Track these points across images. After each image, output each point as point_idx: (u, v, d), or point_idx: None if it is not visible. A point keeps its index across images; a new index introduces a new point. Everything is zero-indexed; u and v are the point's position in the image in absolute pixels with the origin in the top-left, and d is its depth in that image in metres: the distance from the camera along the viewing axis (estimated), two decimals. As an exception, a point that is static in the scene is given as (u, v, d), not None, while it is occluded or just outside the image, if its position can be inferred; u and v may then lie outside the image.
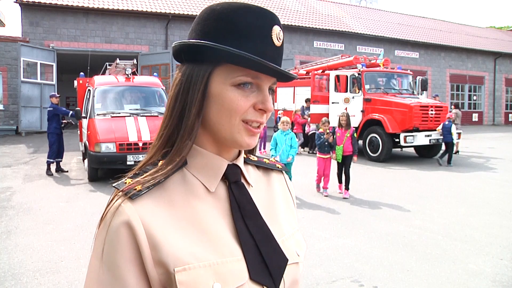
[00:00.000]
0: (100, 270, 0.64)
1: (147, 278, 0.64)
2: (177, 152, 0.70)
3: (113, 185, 0.69)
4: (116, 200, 0.67)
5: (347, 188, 6.86)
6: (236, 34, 0.67)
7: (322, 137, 6.86)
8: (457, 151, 12.20)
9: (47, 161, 8.49)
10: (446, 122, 10.55)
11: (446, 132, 10.42)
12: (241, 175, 0.77)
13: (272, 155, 6.20)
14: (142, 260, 0.64)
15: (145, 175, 0.69)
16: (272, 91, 0.74)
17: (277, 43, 0.70)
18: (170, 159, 0.70)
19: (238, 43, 0.66)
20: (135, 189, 0.66)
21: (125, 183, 0.69)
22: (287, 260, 0.73)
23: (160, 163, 0.71)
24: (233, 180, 0.74)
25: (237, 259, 0.68)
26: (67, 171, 8.69)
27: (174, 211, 0.68)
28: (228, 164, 0.74)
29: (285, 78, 0.71)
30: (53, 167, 8.59)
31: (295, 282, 0.76)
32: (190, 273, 0.63)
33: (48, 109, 8.73)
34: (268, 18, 0.69)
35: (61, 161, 8.78)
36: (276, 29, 0.69)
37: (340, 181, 7.09)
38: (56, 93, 9.19)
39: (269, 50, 0.68)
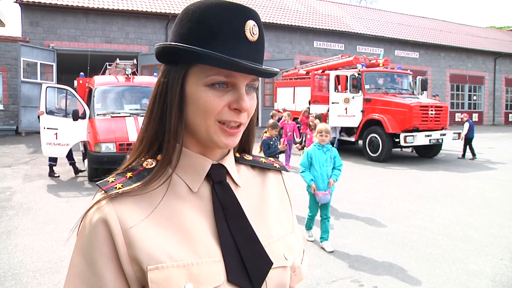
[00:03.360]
0: (79, 265, 0.66)
1: (124, 274, 0.65)
2: (166, 155, 0.70)
3: (97, 183, 0.71)
4: (96, 198, 0.68)
5: None
6: (207, 33, 0.66)
7: (271, 143, 5.88)
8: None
9: (50, 164, 8.33)
10: (471, 120, 11.70)
11: (472, 129, 11.41)
12: (227, 175, 0.76)
13: (308, 183, 4.42)
14: (119, 257, 0.65)
15: (128, 174, 0.70)
16: (254, 89, 0.72)
17: (252, 38, 0.68)
18: (160, 160, 0.70)
19: (210, 42, 0.65)
20: (116, 187, 0.67)
21: (108, 181, 0.70)
22: (271, 263, 0.72)
23: (145, 163, 0.71)
24: (217, 180, 0.74)
25: (214, 260, 0.67)
26: (84, 170, 8.49)
27: (154, 210, 0.68)
28: (213, 164, 0.74)
29: (263, 74, 0.69)
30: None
31: (282, 285, 0.74)
32: (163, 272, 0.63)
33: None
34: (240, 13, 0.67)
35: (74, 162, 8.57)
36: (250, 24, 0.67)
37: None
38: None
39: (242, 46, 0.67)
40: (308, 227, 4.71)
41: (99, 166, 7.53)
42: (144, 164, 0.71)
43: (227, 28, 0.66)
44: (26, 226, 5.09)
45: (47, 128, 7.96)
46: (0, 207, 5.98)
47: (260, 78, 0.71)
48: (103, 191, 0.68)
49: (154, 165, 0.71)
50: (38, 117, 8.21)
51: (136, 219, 0.66)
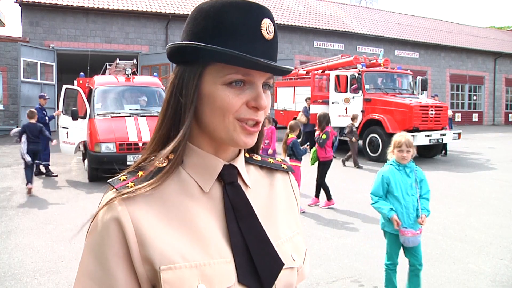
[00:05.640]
0: (90, 263, 0.66)
1: (135, 273, 0.65)
2: (177, 154, 0.69)
3: (108, 181, 0.70)
4: (108, 197, 0.68)
5: (317, 195, 6.22)
6: (224, 32, 0.66)
7: (297, 143, 5.93)
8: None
9: (45, 164, 8.34)
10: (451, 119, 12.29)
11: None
12: (238, 176, 0.75)
13: (386, 214, 3.08)
14: (131, 256, 0.64)
15: (140, 173, 0.69)
16: (269, 87, 0.72)
17: (268, 36, 0.68)
18: (171, 160, 0.70)
19: (226, 41, 0.65)
20: (128, 186, 0.67)
21: (120, 179, 0.69)
22: (283, 264, 0.72)
23: (157, 162, 0.70)
24: (228, 181, 0.73)
25: (226, 261, 0.67)
26: (57, 175, 8.45)
27: (166, 210, 0.68)
28: (225, 165, 0.73)
29: (280, 72, 0.69)
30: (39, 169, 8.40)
31: (288, 286, 0.74)
32: (176, 272, 0.63)
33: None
34: (256, 12, 0.67)
35: (49, 164, 8.53)
36: (266, 22, 0.67)
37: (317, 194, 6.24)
38: (45, 94, 8.99)
39: (259, 44, 0.67)
40: (390, 284, 3.24)
41: (99, 166, 7.54)
42: (156, 163, 0.70)
43: (244, 27, 0.66)
44: (26, 226, 5.09)
45: (62, 127, 8.45)
46: (0, 207, 5.98)
47: None
48: (114, 190, 0.67)
49: (165, 164, 0.70)
50: (49, 118, 8.46)
51: (148, 218, 0.66)
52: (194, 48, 0.66)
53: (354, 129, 9.87)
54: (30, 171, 6.84)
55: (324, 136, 6.19)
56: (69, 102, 9.34)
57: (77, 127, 8.27)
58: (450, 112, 12.69)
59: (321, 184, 6.18)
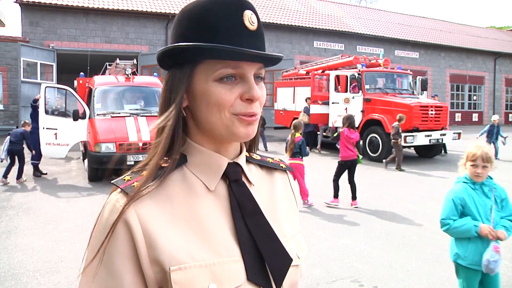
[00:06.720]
0: (96, 265, 0.65)
1: (143, 275, 0.64)
2: (178, 153, 0.70)
3: (112, 181, 0.70)
4: (114, 197, 0.67)
5: (354, 197, 6.32)
6: (208, 29, 0.66)
7: (305, 143, 6.21)
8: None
9: (34, 163, 8.26)
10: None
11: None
12: (242, 174, 0.75)
13: (469, 227, 2.55)
14: (138, 258, 0.64)
15: (143, 173, 0.69)
16: (261, 78, 0.72)
17: (251, 27, 0.68)
18: (173, 159, 0.70)
19: (212, 38, 0.66)
20: (133, 186, 0.66)
21: (124, 180, 0.69)
22: (291, 260, 0.72)
23: (160, 161, 0.71)
24: (233, 178, 0.73)
25: (235, 259, 0.67)
26: (46, 173, 8.44)
27: (173, 210, 0.67)
28: (229, 163, 0.73)
29: (269, 60, 0.70)
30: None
31: (293, 284, 0.75)
32: (186, 272, 0.63)
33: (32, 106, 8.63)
34: (236, 5, 0.67)
35: (38, 163, 8.43)
36: (248, 14, 0.68)
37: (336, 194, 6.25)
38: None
39: (244, 37, 0.67)
40: None
41: (99, 166, 7.54)
42: (159, 163, 0.71)
43: (226, 22, 0.66)
44: (26, 226, 5.09)
45: (47, 128, 8.02)
46: (0, 207, 5.98)
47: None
48: (120, 190, 0.67)
49: (168, 163, 0.71)
50: (32, 105, 8.38)
51: (156, 219, 0.65)
52: (181, 49, 0.67)
53: (401, 131, 9.62)
54: (8, 168, 7.66)
55: (335, 134, 6.63)
56: (63, 102, 9.13)
57: (70, 127, 8.07)
58: (496, 117, 11.90)
59: (334, 181, 6.31)
